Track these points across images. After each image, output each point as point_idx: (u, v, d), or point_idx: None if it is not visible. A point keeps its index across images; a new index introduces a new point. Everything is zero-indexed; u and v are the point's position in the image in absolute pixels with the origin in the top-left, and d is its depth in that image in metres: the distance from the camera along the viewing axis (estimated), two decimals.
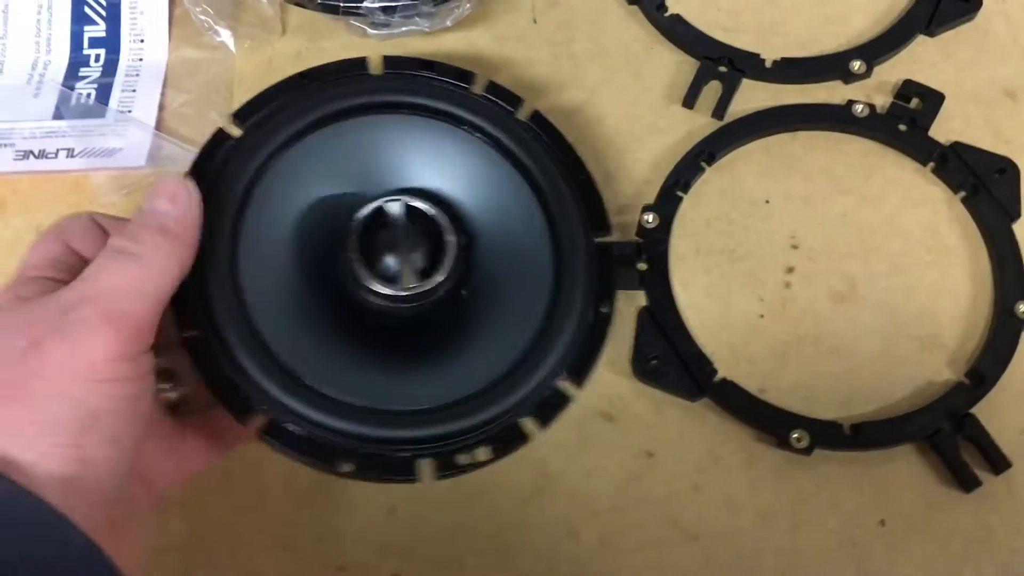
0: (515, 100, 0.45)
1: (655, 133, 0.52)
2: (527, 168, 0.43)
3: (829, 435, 0.45)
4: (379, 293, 0.40)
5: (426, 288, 0.41)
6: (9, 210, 0.50)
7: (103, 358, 0.31)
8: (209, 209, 0.38)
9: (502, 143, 0.43)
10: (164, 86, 0.52)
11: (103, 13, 0.53)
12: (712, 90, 0.52)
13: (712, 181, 0.50)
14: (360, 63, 0.44)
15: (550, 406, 0.40)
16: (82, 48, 0.53)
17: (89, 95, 0.51)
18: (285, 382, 0.37)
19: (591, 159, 0.51)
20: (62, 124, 0.50)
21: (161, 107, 0.51)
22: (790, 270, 0.49)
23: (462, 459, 0.38)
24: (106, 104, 0.51)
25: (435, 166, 0.43)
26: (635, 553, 0.44)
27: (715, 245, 0.49)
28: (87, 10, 0.53)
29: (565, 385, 0.40)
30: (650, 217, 0.49)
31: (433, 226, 0.42)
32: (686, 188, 0.50)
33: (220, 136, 0.41)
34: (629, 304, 0.48)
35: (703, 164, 0.50)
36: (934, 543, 0.44)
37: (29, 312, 0.32)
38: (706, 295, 0.48)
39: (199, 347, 0.37)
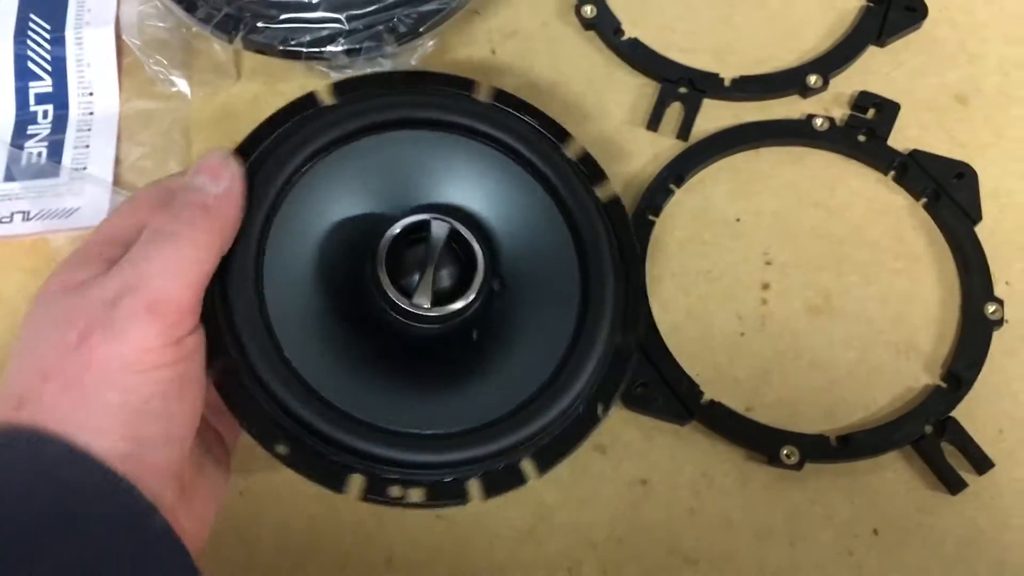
0: (563, 134, 0.44)
1: (622, 157, 0.52)
2: (560, 195, 0.41)
3: (817, 449, 0.45)
4: (405, 310, 0.39)
5: (455, 308, 0.39)
6: None
7: (148, 348, 0.32)
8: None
9: (539, 169, 0.42)
10: (118, 139, 0.51)
11: (48, 68, 0.52)
12: (674, 111, 0.52)
13: (682, 202, 0.51)
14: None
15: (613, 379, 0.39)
16: (28, 105, 0.51)
17: (40, 154, 0.50)
18: (307, 400, 0.36)
19: None
20: (14, 186, 0.48)
21: (117, 161, 0.50)
22: (766, 286, 0.49)
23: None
24: (59, 162, 0.49)
25: (465, 186, 0.42)
26: None
27: (691, 266, 0.50)
28: (31, 65, 0.52)
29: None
30: None
31: (465, 247, 0.40)
32: (657, 211, 0.50)
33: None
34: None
35: (672, 186, 0.51)
36: (927, 547, 0.45)
37: (75, 305, 0.33)
38: (686, 317, 0.48)
39: (227, 375, 0.36)
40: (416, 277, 0.40)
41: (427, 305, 0.39)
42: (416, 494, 0.36)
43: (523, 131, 0.42)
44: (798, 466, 0.45)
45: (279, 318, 0.37)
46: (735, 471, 0.46)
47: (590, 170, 0.43)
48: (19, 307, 0.47)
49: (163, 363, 0.32)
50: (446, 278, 0.41)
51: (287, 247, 0.38)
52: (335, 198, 0.40)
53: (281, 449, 0.35)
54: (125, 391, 0.32)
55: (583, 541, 0.45)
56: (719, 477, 0.46)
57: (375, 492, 0.36)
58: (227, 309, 0.36)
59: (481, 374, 0.40)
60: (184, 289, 0.33)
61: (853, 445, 0.45)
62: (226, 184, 0.36)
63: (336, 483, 0.36)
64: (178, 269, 0.33)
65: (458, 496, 0.37)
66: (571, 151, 0.43)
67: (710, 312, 0.49)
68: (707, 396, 0.47)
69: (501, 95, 0.43)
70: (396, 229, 0.39)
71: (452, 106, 0.42)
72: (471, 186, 0.42)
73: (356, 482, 0.36)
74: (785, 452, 0.45)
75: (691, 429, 0.46)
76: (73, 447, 0.30)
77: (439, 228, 0.40)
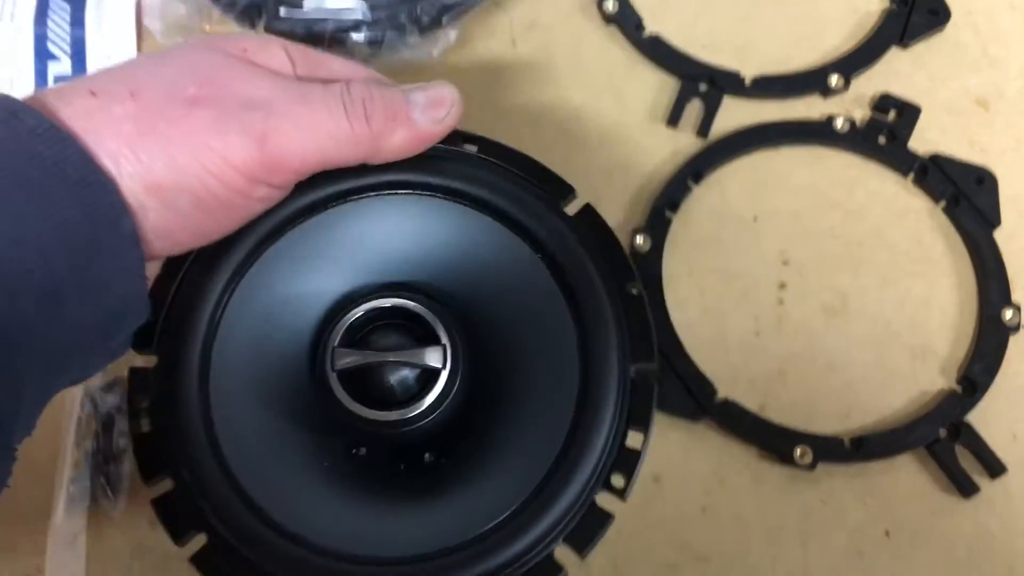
0: (565, 190, 0.39)
1: (640, 153, 0.52)
2: (564, 270, 0.37)
3: (831, 449, 0.45)
4: (360, 416, 0.35)
5: (413, 413, 0.35)
6: None
7: (235, 163, 0.31)
8: (181, 326, 0.35)
9: (542, 244, 0.37)
10: None
11: (67, 49, 0.51)
12: (694, 108, 0.52)
13: (700, 200, 0.51)
14: None
15: (588, 528, 0.35)
16: (47, 85, 0.51)
17: None
18: (268, 535, 0.34)
19: (576, 182, 0.51)
20: None
21: None
22: (782, 286, 0.49)
23: None
24: None
25: (441, 259, 0.38)
26: None
27: (707, 265, 0.49)
28: (51, 46, 0.51)
29: (606, 500, 0.35)
30: (641, 239, 0.49)
31: (427, 333, 0.36)
32: (675, 208, 0.50)
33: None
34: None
35: (690, 183, 0.51)
36: (938, 550, 0.44)
37: (219, 72, 0.32)
38: (701, 315, 0.48)
39: (171, 501, 0.34)
40: (375, 380, 0.36)
41: (376, 411, 0.35)
42: None
43: (588, 270, 0.37)
44: (811, 466, 0.45)
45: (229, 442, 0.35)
46: (748, 470, 0.46)
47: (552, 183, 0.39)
48: None
49: (229, 182, 0.32)
50: (410, 378, 0.36)
51: (233, 358, 0.36)
52: (298, 280, 0.37)
53: None
54: (178, 167, 0.31)
55: None
56: (732, 476, 0.46)
57: None
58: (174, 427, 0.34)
59: (463, 483, 0.36)
60: (302, 156, 0.33)
61: (867, 447, 0.45)
62: (429, 122, 0.35)
63: None
64: (319, 143, 0.33)
65: None
66: (572, 208, 0.38)
67: (726, 311, 0.49)
68: (721, 395, 0.46)
69: (589, 213, 0.39)
70: (346, 323, 0.36)
71: (530, 209, 0.37)
72: (451, 258, 0.38)
73: None
74: (799, 452, 0.45)
75: (704, 427, 0.46)
76: (83, 148, 0.29)
77: (377, 309, 0.36)
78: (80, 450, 0.43)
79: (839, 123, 0.51)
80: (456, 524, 0.35)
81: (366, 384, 0.36)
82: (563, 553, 0.35)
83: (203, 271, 0.36)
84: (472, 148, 0.39)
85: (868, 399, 0.47)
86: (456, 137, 0.38)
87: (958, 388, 0.47)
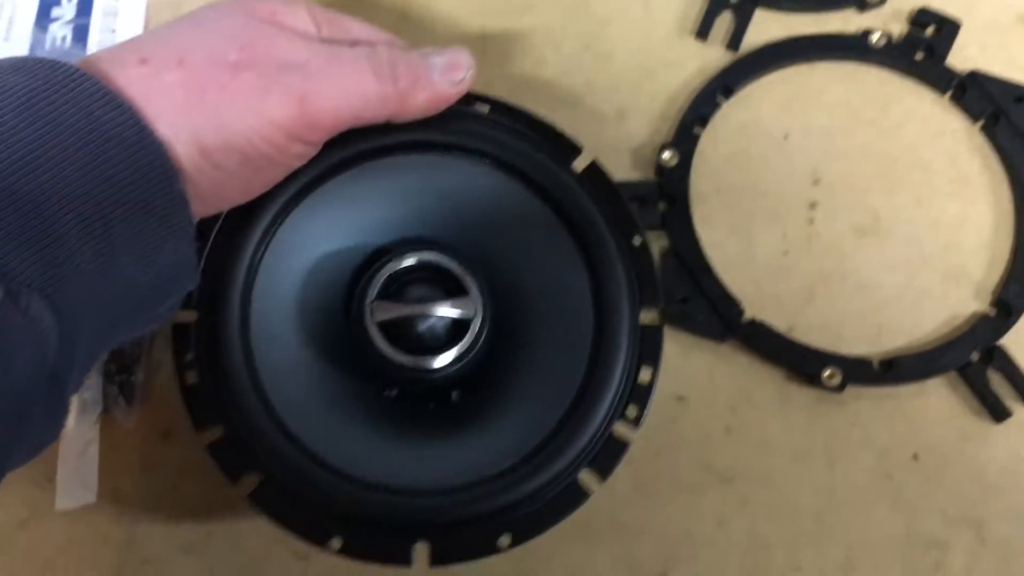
0: (572, 149, 0.41)
1: (668, 67, 0.50)
2: (578, 231, 0.39)
3: (860, 372, 0.44)
4: (400, 365, 0.37)
5: (450, 359, 0.37)
6: None
7: (272, 123, 0.33)
8: (218, 282, 0.37)
9: (554, 198, 0.39)
10: (146, 27, 0.49)
11: None
12: (725, 20, 0.50)
13: (729, 116, 0.49)
14: None
15: (608, 455, 0.38)
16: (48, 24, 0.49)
17: (64, 37, 0.48)
18: (283, 445, 0.36)
19: (602, 97, 0.50)
20: None
21: None
22: (813, 205, 0.47)
23: (503, 540, 0.36)
24: (84, 47, 0.47)
25: (465, 207, 0.40)
26: (670, 498, 0.43)
27: (736, 182, 0.48)
28: None
29: (622, 430, 0.38)
30: (668, 155, 0.47)
31: (456, 285, 0.38)
32: (703, 124, 0.48)
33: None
34: (650, 245, 0.46)
35: (720, 99, 0.49)
36: (967, 474, 0.44)
37: (256, 36, 0.34)
38: (729, 233, 0.47)
39: (224, 446, 0.36)
40: (408, 328, 0.38)
41: (414, 358, 0.37)
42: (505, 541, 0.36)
43: (598, 224, 0.39)
44: (839, 388, 0.44)
45: (272, 385, 0.37)
46: (774, 391, 0.45)
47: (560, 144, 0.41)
48: None
49: (272, 139, 0.33)
50: (439, 325, 0.38)
51: (273, 303, 0.38)
52: (327, 235, 0.39)
53: (335, 543, 0.35)
54: (228, 129, 0.32)
55: None
56: (757, 396, 0.45)
57: (443, 556, 0.36)
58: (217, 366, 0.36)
59: (487, 421, 0.39)
60: (336, 114, 0.34)
61: (897, 369, 0.44)
62: (445, 85, 0.37)
63: (402, 558, 0.36)
64: (351, 101, 0.34)
65: (492, 547, 0.36)
66: (579, 165, 0.41)
67: (754, 230, 0.47)
68: (748, 315, 0.45)
69: (594, 170, 0.41)
70: (383, 277, 0.38)
71: (539, 166, 0.39)
72: (470, 213, 0.40)
73: (422, 552, 0.36)
74: (827, 373, 0.44)
75: (730, 347, 0.45)
76: (139, 114, 0.30)
77: (410, 263, 0.38)
78: None
79: (875, 38, 0.49)
80: (487, 457, 0.37)
81: (400, 333, 0.38)
82: (587, 478, 0.37)
83: (237, 227, 0.38)
84: (484, 108, 0.41)
85: (899, 321, 0.46)
86: (470, 98, 0.40)
87: (992, 311, 0.46)
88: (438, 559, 0.36)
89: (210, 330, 0.37)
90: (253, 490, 0.36)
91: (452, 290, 0.38)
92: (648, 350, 0.39)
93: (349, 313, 0.39)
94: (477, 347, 0.38)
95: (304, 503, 0.36)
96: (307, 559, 0.42)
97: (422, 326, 0.38)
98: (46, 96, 0.29)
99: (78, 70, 0.30)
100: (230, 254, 0.37)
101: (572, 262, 0.39)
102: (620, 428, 0.38)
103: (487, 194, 0.40)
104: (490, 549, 0.36)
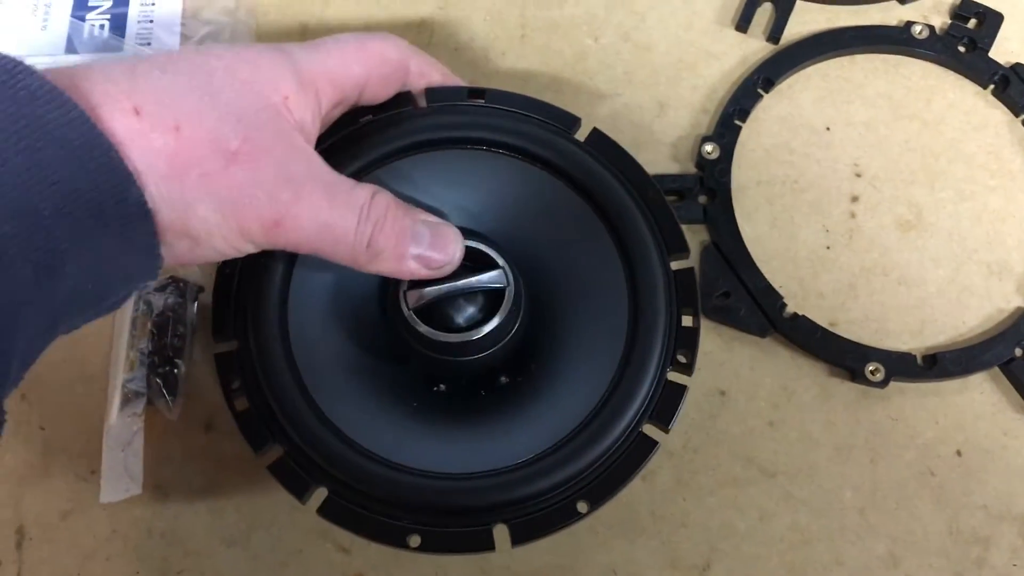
0: (571, 120, 0.41)
1: (708, 59, 0.50)
2: (591, 193, 0.39)
3: (903, 367, 0.44)
4: (445, 343, 0.37)
5: (489, 330, 0.37)
6: None
7: (239, 229, 0.31)
8: (253, 304, 0.37)
9: (562, 169, 0.40)
10: (183, 16, 0.48)
11: None
12: (765, 12, 0.50)
13: (770, 108, 0.49)
14: (406, 98, 0.40)
15: (667, 403, 0.38)
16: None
17: (103, 26, 0.47)
18: (346, 453, 0.36)
19: (642, 88, 0.49)
20: (76, 59, 0.46)
21: (183, 38, 0.48)
22: (855, 199, 0.47)
23: (580, 507, 0.36)
24: (122, 36, 0.47)
25: (484, 200, 0.40)
26: (712, 493, 0.43)
27: (777, 175, 0.47)
28: None
29: (676, 375, 0.38)
30: (709, 148, 0.47)
31: (484, 262, 0.38)
32: (744, 116, 0.48)
33: None
34: (691, 239, 0.46)
35: (760, 90, 0.48)
36: (1011, 470, 0.43)
37: (263, 127, 0.32)
38: (770, 227, 0.47)
39: (285, 464, 0.36)
40: (443, 307, 0.38)
41: (459, 335, 0.37)
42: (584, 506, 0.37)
43: (609, 182, 0.39)
44: (883, 383, 0.44)
45: (308, 370, 0.37)
46: (816, 386, 0.45)
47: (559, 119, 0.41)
48: None
49: (230, 240, 0.31)
50: (474, 305, 0.38)
51: (310, 291, 0.38)
52: None
53: (414, 541, 0.35)
54: (192, 215, 0.30)
55: (659, 450, 0.43)
56: (800, 391, 0.44)
57: (524, 534, 0.36)
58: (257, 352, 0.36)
59: (533, 399, 0.39)
60: (298, 244, 0.33)
61: (940, 365, 0.44)
62: (422, 266, 0.36)
63: (485, 544, 0.36)
64: (321, 239, 0.33)
65: (572, 514, 0.37)
66: (580, 134, 0.41)
67: (795, 223, 0.47)
68: (790, 309, 0.45)
69: (598, 136, 0.41)
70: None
71: (544, 140, 0.40)
72: (486, 199, 0.40)
73: (502, 532, 0.36)
74: (870, 368, 0.44)
75: (772, 341, 0.45)
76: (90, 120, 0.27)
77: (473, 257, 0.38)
78: (134, 351, 0.41)
79: (917, 30, 0.49)
80: (548, 428, 0.37)
81: (438, 317, 0.38)
82: (650, 431, 0.38)
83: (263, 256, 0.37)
84: (479, 100, 0.41)
85: (942, 316, 0.45)
86: (464, 92, 0.41)
87: None
88: (520, 538, 0.36)
89: (254, 355, 0.36)
90: (322, 504, 0.36)
91: (481, 267, 0.38)
92: (686, 295, 0.39)
93: (385, 310, 0.39)
94: (518, 319, 0.38)
95: (374, 507, 0.36)
96: (349, 551, 0.42)
97: (458, 305, 0.38)
98: None
99: (18, 63, 0.27)
100: (260, 272, 0.37)
101: (592, 224, 0.39)
102: (674, 375, 0.38)
103: (498, 179, 0.40)
104: (570, 517, 0.36)
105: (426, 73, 0.40)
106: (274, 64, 0.33)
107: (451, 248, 0.36)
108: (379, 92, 0.38)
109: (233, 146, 0.30)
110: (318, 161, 0.33)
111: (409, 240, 0.35)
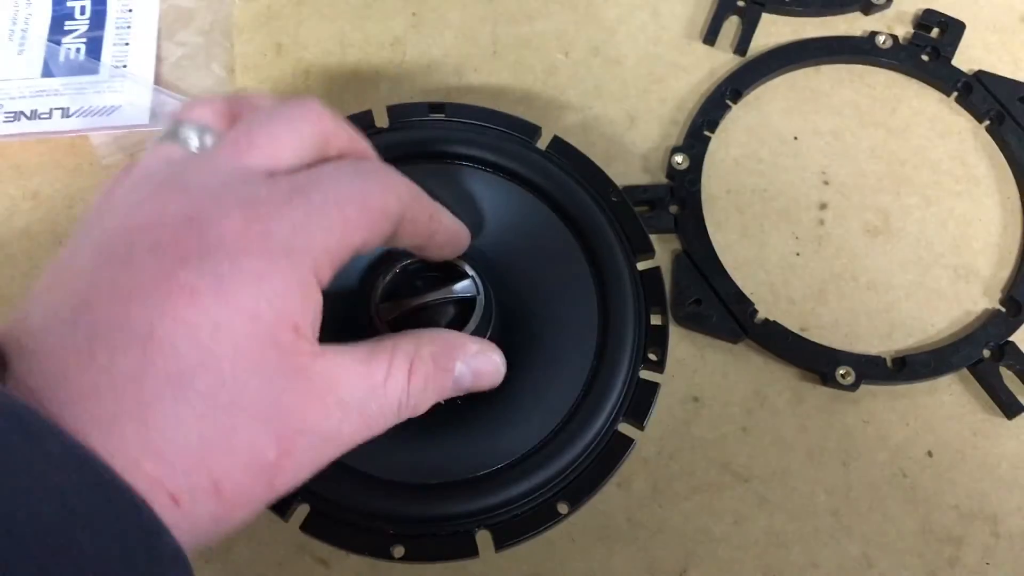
0: (532, 129, 0.42)
1: (677, 72, 0.50)
2: (555, 199, 0.40)
3: (873, 369, 0.45)
4: None
5: None
6: (1, 176, 0.47)
7: (279, 322, 0.27)
8: None
9: (525, 177, 0.41)
10: (158, 38, 0.49)
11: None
12: (732, 25, 0.51)
13: (739, 119, 0.49)
14: (367, 118, 0.41)
15: (641, 401, 0.39)
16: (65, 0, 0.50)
17: (79, 50, 0.48)
18: (327, 469, 0.35)
19: (612, 101, 0.50)
20: (53, 82, 0.47)
21: (158, 60, 0.48)
22: (823, 206, 0.48)
23: (560, 508, 0.37)
24: (98, 59, 0.48)
25: (494, 228, 0.41)
26: (688, 498, 0.43)
27: (746, 184, 0.48)
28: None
29: (648, 374, 0.39)
30: (680, 159, 0.48)
31: (459, 277, 0.38)
32: (713, 127, 0.49)
33: None
34: (663, 249, 0.47)
35: (729, 102, 0.49)
36: (981, 470, 0.44)
37: (299, 417, 0.28)
38: (741, 235, 0.47)
39: (312, 518, 0.36)
40: (421, 321, 0.37)
41: None
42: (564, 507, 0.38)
43: (571, 187, 0.41)
44: (853, 387, 0.44)
45: None
46: (788, 390, 0.45)
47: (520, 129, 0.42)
48: (59, 206, 0.46)
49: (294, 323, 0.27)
50: (446, 313, 0.38)
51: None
52: None
53: (397, 552, 0.36)
54: (225, 381, 0.25)
55: (633, 456, 0.43)
56: (772, 396, 0.45)
57: (506, 538, 0.37)
58: None
59: (509, 403, 0.39)
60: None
61: (909, 367, 0.45)
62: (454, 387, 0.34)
63: (468, 550, 0.36)
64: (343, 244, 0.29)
65: (552, 515, 0.38)
66: (541, 143, 0.42)
67: (765, 231, 0.48)
68: (761, 315, 0.46)
69: (559, 144, 0.43)
70: (384, 280, 0.38)
71: (505, 149, 0.41)
72: (499, 229, 0.41)
73: (484, 538, 0.36)
74: (841, 372, 0.44)
75: (744, 347, 0.46)
76: (70, 440, 0.23)
77: (413, 267, 0.38)
78: None
79: (881, 39, 0.50)
80: (524, 432, 0.38)
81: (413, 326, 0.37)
82: (626, 429, 0.39)
83: None
84: (439, 116, 0.42)
85: (911, 319, 0.46)
86: (425, 107, 0.42)
87: (1002, 308, 0.46)
88: (502, 542, 0.36)
89: None
90: (304, 520, 0.36)
91: (452, 278, 0.39)
92: (654, 295, 0.40)
93: (361, 323, 0.39)
94: (489, 327, 0.39)
95: (356, 520, 0.36)
96: (329, 564, 0.42)
97: (431, 316, 0.38)
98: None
99: (41, 421, 0.23)
100: None
101: (559, 230, 0.40)
102: (646, 373, 0.39)
103: (467, 192, 0.41)
104: (550, 518, 0.37)
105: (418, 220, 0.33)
106: (279, 297, 0.27)
107: (498, 372, 0.35)
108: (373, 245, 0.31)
109: (271, 457, 0.27)
110: (339, 376, 0.29)
111: (453, 381, 0.34)
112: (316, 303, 0.28)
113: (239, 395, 0.26)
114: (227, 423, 0.26)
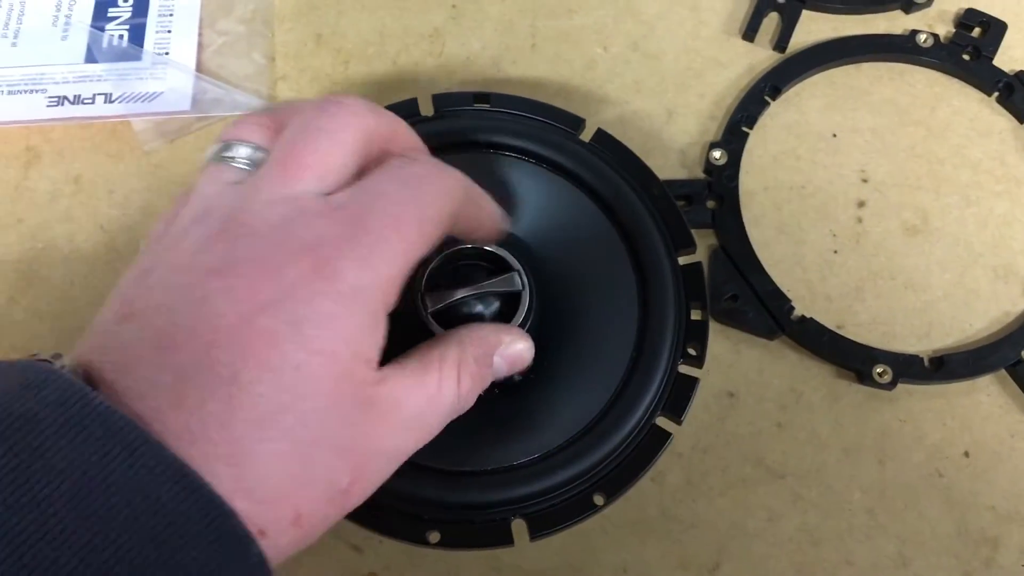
0: (576, 122, 0.42)
1: (716, 68, 0.50)
2: (598, 192, 0.41)
3: (910, 369, 0.44)
4: None
5: None
6: (44, 160, 0.47)
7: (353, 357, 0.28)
8: None
9: (568, 169, 0.41)
10: (200, 26, 0.49)
11: None
12: (772, 21, 0.51)
13: (777, 115, 0.49)
14: (412, 106, 0.41)
15: (679, 395, 0.39)
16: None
17: (122, 36, 0.48)
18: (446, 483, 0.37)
19: (651, 96, 0.50)
20: (96, 67, 0.47)
21: (200, 47, 0.49)
22: (861, 204, 0.48)
23: (597, 499, 0.38)
24: (141, 46, 0.48)
25: (537, 220, 0.41)
26: (722, 493, 0.43)
27: (784, 181, 0.48)
28: None
29: (687, 368, 0.39)
30: (717, 154, 0.48)
31: (504, 270, 0.38)
32: (751, 123, 0.49)
33: None
34: (700, 244, 0.46)
35: (768, 98, 0.49)
36: (1018, 471, 0.44)
37: (365, 447, 0.29)
38: (778, 232, 0.47)
39: None
40: (461, 311, 0.38)
41: None
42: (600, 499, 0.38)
43: (615, 180, 0.41)
44: (890, 385, 0.44)
45: None
46: (824, 388, 0.45)
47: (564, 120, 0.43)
48: (100, 191, 0.47)
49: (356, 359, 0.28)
50: (491, 308, 0.38)
51: None
52: None
53: (433, 538, 0.36)
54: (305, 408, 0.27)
55: (668, 451, 0.44)
56: (808, 393, 0.45)
57: (542, 527, 0.37)
58: None
59: (549, 395, 0.39)
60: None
61: (947, 367, 0.44)
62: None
63: (503, 538, 0.36)
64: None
65: (588, 507, 0.38)
66: (585, 135, 0.43)
67: (803, 228, 0.47)
68: (798, 312, 0.46)
69: (602, 136, 0.43)
70: (427, 270, 0.37)
71: (549, 141, 0.41)
72: (541, 220, 0.41)
73: (520, 527, 0.37)
74: (878, 370, 0.44)
75: (780, 344, 0.45)
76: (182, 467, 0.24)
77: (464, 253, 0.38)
78: None
79: (922, 38, 0.50)
80: (562, 424, 0.38)
81: (454, 321, 0.38)
82: (663, 423, 0.40)
83: None
84: (485, 105, 0.43)
85: (948, 319, 0.46)
86: (470, 97, 0.42)
87: None
88: (537, 531, 0.36)
89: None
90: None
91: (496, 271, 0.39)
92: (695, 289, 0.41)
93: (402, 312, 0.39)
94: (531, 321, 0.39)
95: (393, 505, 0.36)
96: (362, 551, 0.43)
97: (475, 308, 0.38)
98: (102, 478, 0.23)
99: (140, 433, 0.24)
100: None
101: (601, 223, 0.40)
102: (685, 368, 0.40)
103: (510, 183, 0.41)
104: (586, 510, 0.37)
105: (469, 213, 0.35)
106: (353, 336, 0.28)
107: (525, 357, 0.36)
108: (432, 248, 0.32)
109: (344, 483, 0.28)
110: (400, 394, 0.30)
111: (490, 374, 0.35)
112: (384, 330, 0.29)
113: (319, 431, 0.27)
114: (308, 458, 0.27)
